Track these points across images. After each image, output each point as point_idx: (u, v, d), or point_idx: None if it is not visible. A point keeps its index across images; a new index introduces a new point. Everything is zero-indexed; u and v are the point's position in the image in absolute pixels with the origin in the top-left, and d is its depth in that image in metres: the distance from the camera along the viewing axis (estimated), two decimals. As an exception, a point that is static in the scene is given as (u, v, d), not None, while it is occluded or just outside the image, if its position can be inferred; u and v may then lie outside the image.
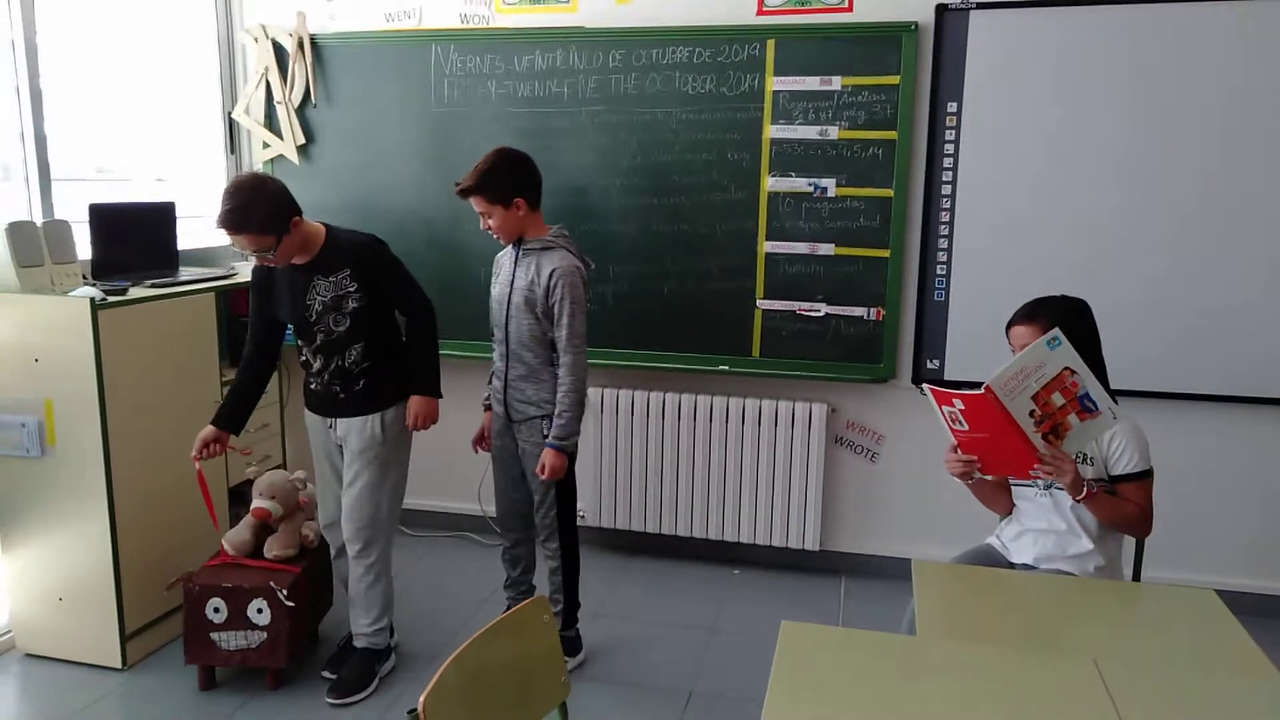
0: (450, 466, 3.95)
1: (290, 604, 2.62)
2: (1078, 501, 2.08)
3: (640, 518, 3.70)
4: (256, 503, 2.75)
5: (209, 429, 2.65)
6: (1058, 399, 1.98)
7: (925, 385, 2.09)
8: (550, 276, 2.65)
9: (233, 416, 2.69)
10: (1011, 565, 2.25)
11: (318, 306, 2.56)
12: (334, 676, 2.74)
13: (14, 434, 2.74)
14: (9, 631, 2.92)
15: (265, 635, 2.65)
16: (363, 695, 2.70)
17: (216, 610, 2.64)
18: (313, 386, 2.69)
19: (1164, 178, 3.10)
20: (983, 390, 1.93)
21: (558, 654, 1.69)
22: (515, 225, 2.70)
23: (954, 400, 2.00)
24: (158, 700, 2.67)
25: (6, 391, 2.74)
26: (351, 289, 2.55)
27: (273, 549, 2.75)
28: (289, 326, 2.68)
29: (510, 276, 2.76)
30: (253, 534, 2.77)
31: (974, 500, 2.40)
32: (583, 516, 3.80)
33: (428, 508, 4.00)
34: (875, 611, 3.31)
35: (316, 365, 2.64)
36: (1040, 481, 2.22)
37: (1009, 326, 2.24)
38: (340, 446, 2.70)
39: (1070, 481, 2.03)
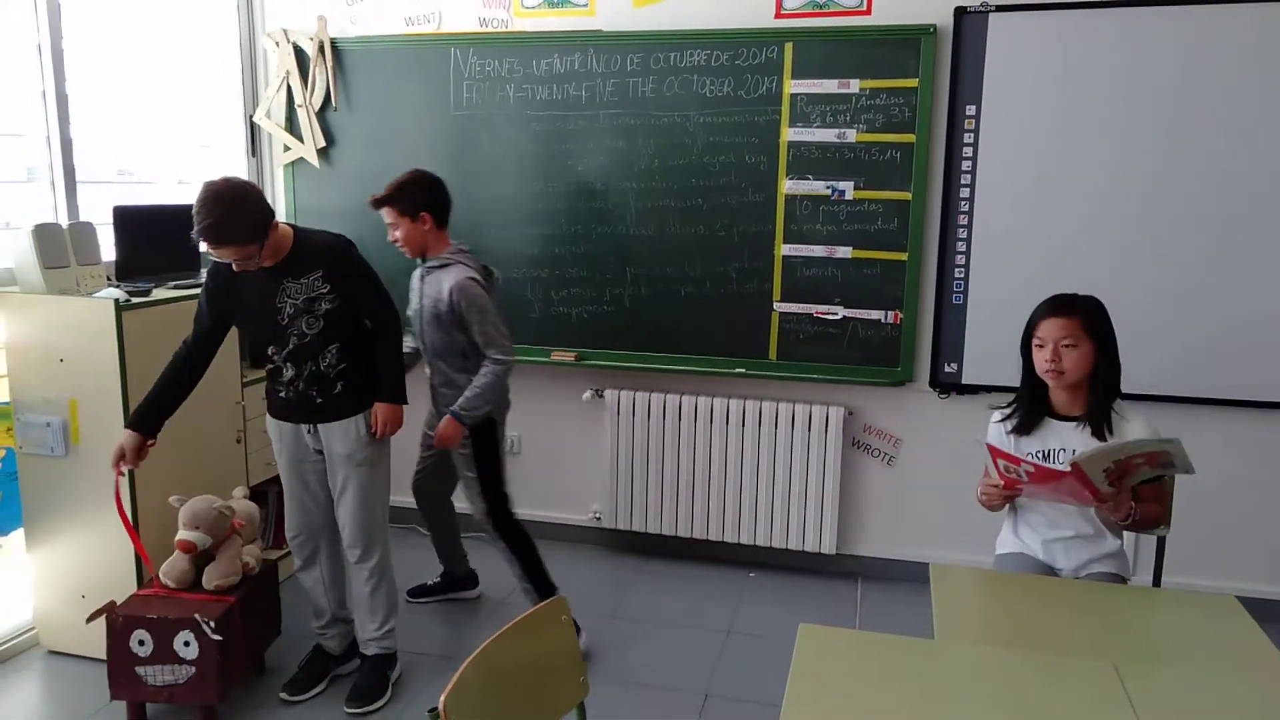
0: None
1: (217, 637, 2.48)
2: (1121, 523, 2.11)
3: (656, 520, 3.71)
4: (180, 534, 2.60)
5: (129, 435, 2.48)
6: (1139, 461, 1.98)
7: (984, 442, 2.12)
8: (450, 293, 2.77)
9: (153, 418, 2.52)
10: (1054, 572, 2.24)
11: (289, 309, 2.48)
12: (293, 699, 2.69)
13: (39, 433, 2.77)
14: (33, 628, 2.96)
15: (194, 669, 2.50)
16: (381, 702, 2.68)
17: (142, 643, 2.49)
18: (283, 394, 2.59)
19: (1183, 182, 3.07)
20: (1069, 468, 1.94)
21: (576, 654, 1.70)
22: (419, 239, 2.84)
23: (1021, 464, 2.01)
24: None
25: (32, 391, 2.78)
26: (324, 290, 2.48)
27: (212, 579, 2.61)
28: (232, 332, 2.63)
29: (419, 294, 2.90)
30: (190, 564, 2.62)
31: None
32: (598, 518, 3.82)
33: (445, 509, 4.02)
34: (892, 615, 3.31)
35: (289, 373, 2.54)
36: None
37: (1040, 318, 2.20)
38: (319, 452, 2.64)
39: (1124, 515, 2.07)
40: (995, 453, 2.08)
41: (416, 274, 2.96)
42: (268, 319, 2.49)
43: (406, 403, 2.67)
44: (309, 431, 2.62)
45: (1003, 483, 2.11)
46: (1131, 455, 1.95)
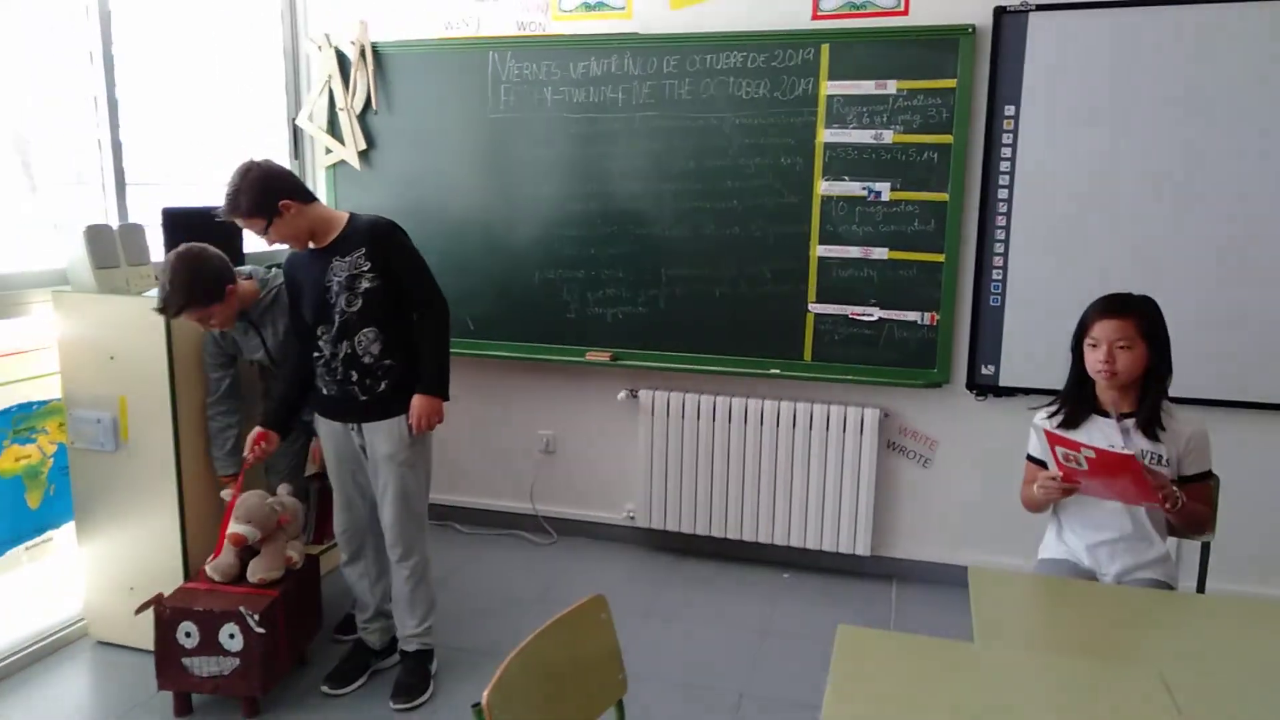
0: (502, 465, 4.02)
1: (261, 630, 2.53)
2: (1168, 511, 2.08)
3: (690, 520, 3.72)
4: (232, 528, 2.67)
5: (258, 429, 2.68)
6: None
7: (1039, 419, 2.10)
8: None
9: (281, 418, 2.71)
10: (1094, 578, 2.22)
11: (335, 287, 2.55)
12: (335, 692, 2.75)
13: (90, 429, 2.85)
14: (82, 619, 3.04)
15: (238, 661, 2.56)
16: (425, 696, 2.73)
17: (188, 635, 2.55)
18: (325, 392, 2.64)
19: (1230, 184, 3.03)
20: (1130, 452, 1.96)
21: (615, 652, 1.71)
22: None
23: (1082, 449, 2.00)
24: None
25: (84, 388, 2.85)
26: (365, 268, 2.54)
27: (256, 572, 2.67)
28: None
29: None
30: (237, 557, 2.69)
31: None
32: (632, 517, 3.84)
33: (480, 506, 4.06)
34: (928, 618, 3.29)
35: (327, 352, 2.58)
36: None
37: (1095, 319, 2.17)
38: (362, 449, 2.69)
39: (1170, 498, 2.05)
40: (1054, 439, 2.04)
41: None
42: (318, 298, 2.57)
43: (448, 397, 2.67)
44: (354, 430, 2.67)
45: (1061, 474, 2.08)
46: None
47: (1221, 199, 3.04)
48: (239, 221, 2.51)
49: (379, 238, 2.57)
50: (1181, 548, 3.13)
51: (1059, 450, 2.05)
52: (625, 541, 3.91)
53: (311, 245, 2.59)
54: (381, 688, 2.78)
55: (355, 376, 2.58)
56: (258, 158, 2.54)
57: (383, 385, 2.59)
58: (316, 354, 2.62)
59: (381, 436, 2.62)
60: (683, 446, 3.67)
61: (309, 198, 2.57)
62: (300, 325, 2.66)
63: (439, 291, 2.66)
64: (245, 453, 2.67)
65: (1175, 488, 2.05)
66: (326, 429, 2.71)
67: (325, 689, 2.75)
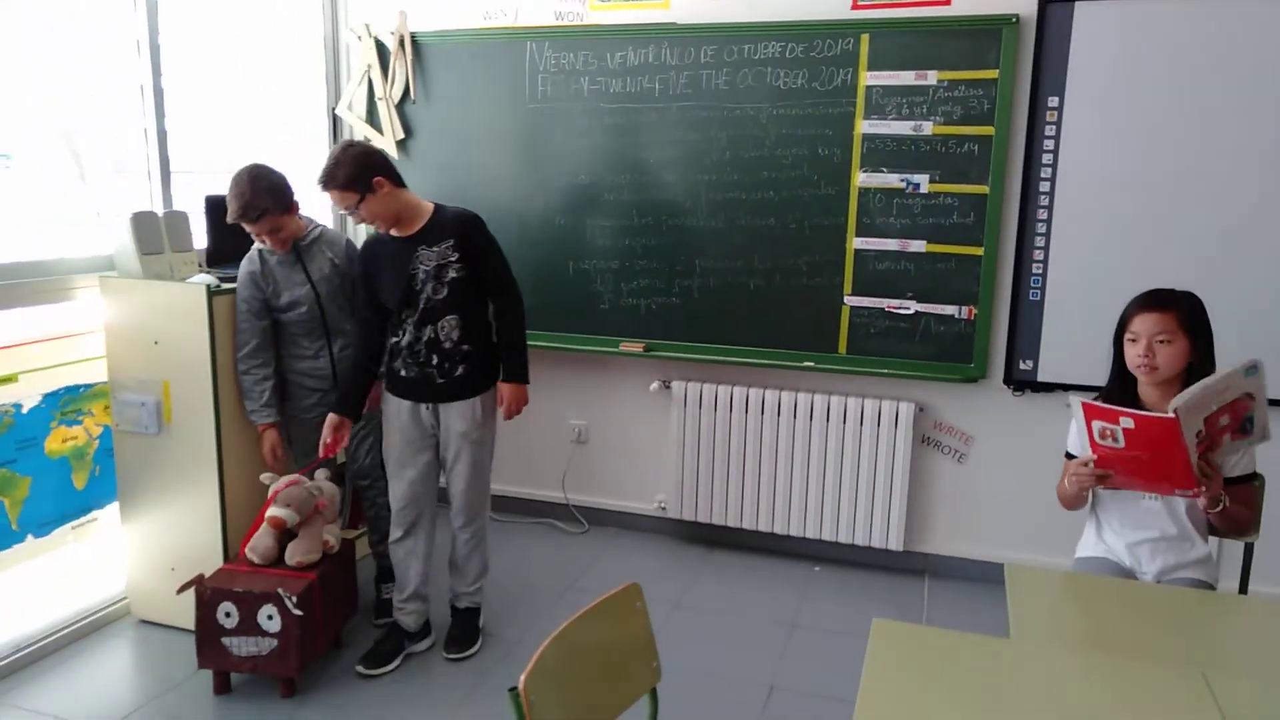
0: (535, 455, 4.04)
1: (299, 612, 2.59)
2: (1208, 512, 2.03)
3: (721, 511, 3.72)
4: (272, 511, 2.73)
5: (333, 416, 2.76)
6: (1224, 420, 1.94)
7: (1074, 399, 2.00)
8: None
9: (352, 401, 2.80)
10: (1134, 577, 2.19)
11: (421, 275, 2.68)
12: (370, 672, 2.80)
13: (135, 412, 2.90)
14: (125, 598, 3.11)
15: (276, 642, 2.60)
16: (476, 647, 2.95)
17: (228, 615, 2.60)
18: (403, 374, 2.76)
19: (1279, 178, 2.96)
20: (1171, 414, 1.86)
21: (650, 641, 1.72)
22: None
23: (1120, 419, 1.92)
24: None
25: (129, 372, 2.91)
26: (453, 259, 2.68)
27: (295, 555, 2.72)
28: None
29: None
30: (275, 540, 2.74)
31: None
32: (663, 508, 3.84)
33: (512, 494, 4.09)
34: (960, 614, 3.27)
35: (409, 336, 2.71)
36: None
37: (1134, 313, 2.13)
38: (434, 428, 2.81)
39: (1213, 496, 1.99)
40: (1091, 411, 1.96)
41: (280, 258, 2.87)
42: (402, 284, 2.69)
43: (529, 381, 2.84)
44: (428, 409, 2.79)
45: (1095, 458, 2.00)
46: (1222, 403, 1.91)
47: (1273, 194, 2.97)
48: (333, 194, 2.62)
49: (467, 230, 2.72)
50: (1223, 548, 3.08)
51: (1095, 427, 1.96)
52: (656, 532, 3.92)
53: (394, 232, 2.71)
54: (415, 671, 2.82)
55: (435, 360, 2.73)
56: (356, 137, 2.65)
57: (460, 369, 2.75)
58: (394, 337, 2.76)
59: (456, 416, 2.78)
60: (715, 438, 3.67)
61: (401, 182, 2.70)
62: (371, 307, 2.79)
63: (515, 284, 2.83)
64: (325, 437, 2.75)
65: (1220, 482, 1.99)
66: (395, 407, 2.82)
67: (360, 669, 2.81)
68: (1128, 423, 1.91)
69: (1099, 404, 1.98)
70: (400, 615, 2.92)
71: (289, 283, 2.86)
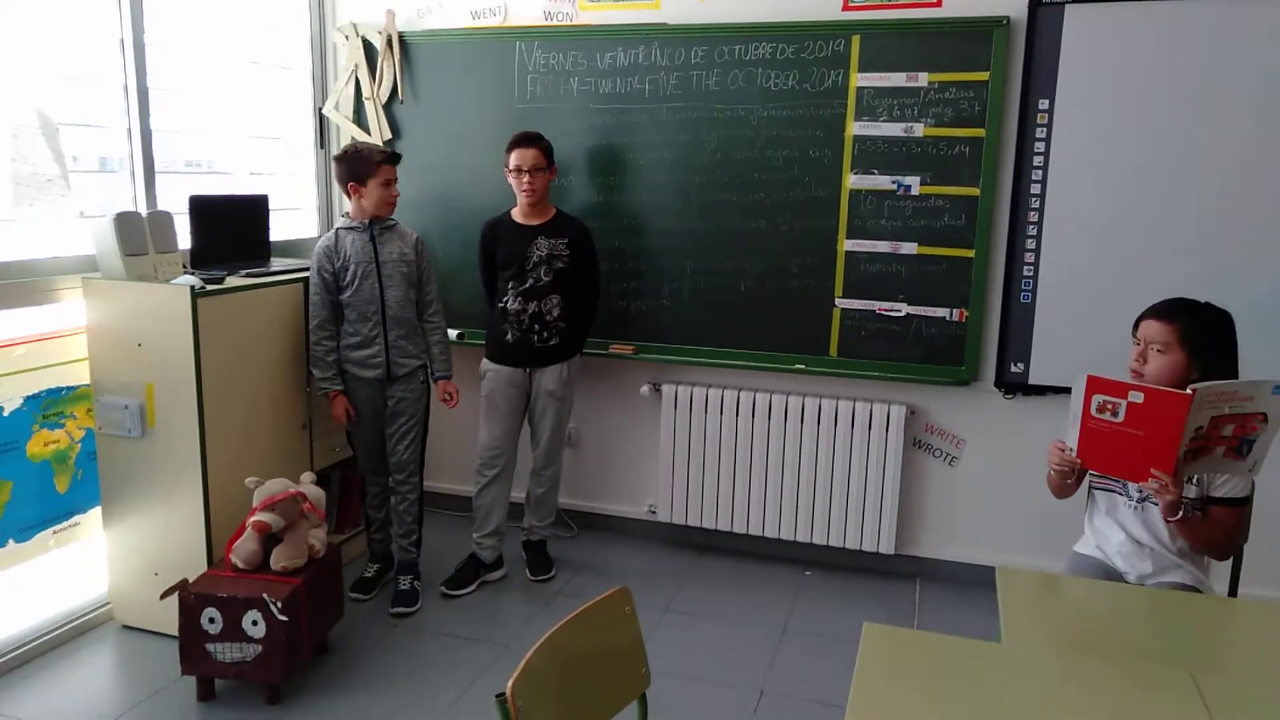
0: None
1: (284, 618, 2.55)
2: (1168, 521, 2.03)
3: (711, 515, 3.70)
4: (256, 516, 2.70)
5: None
6: (1228, 430, 1.91)
7: (1087, 374, 1.96)
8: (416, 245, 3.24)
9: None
10: (1122, 579, 2.18)
11: (535, 258, 3.25)
12: (453, 593, 3.28)
13: (117, 415, 2.87)
14: (108, 603, 3.07)
15: (261, 648, 2.57)
16: (554, 572, 3.51)
17: (212, 621, 2.57)
18: (508, 337, 3.29)
19: (1269, 180, 2.96)
20: (1189, 391, 1.83)
21: (639, 646, 1.70)
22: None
23: (1129, 393, 1.90)
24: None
25: (111, 374, 2.87)
26: (564, 254, 3.28)
27: (279, 560, 2.69)
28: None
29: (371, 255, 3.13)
30: (260, 545, 2.71)
31: (1056, 506, 2.35)
32: (654, 512, 3.82)
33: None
34: (951, 617, 3.26)
35: (516, 305, 3.27)
36: (1134, 493, 2.15)
37: (1143, 317, 2.13)
38: (525, 387, 3.35)
39: (1170, 502, 1.97)
40: (1096, 384, 1.92)
41: (352, 238, 3.11)
42: (518, 261, 3.27)
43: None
44: (524, 372, 3.33)
45: (1077, 443, 1.98)
46: (1235, 412, 1.87)
47: (1266, 196, 2.97)
48: (535, 151, 3.22)
49: (581, 236, 3.34)
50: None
51: (1095, 400, 1.93)
52: (646, 536, 3.89)
53: (518, 218, 3.31)
54: (401, 676, 2.79)
55: (537, 329, 3.29)
56: None
57: (555, 339, 3.32)
58: (500, 307, 3.32)
59: (548, 377, 3.35)
60: (705, 441, 3.65)
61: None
62: (487, 273, 3.40)
63: (599, 281, 3.48)
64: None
65: (1180, 490, 1.95)
66: (495, 371, 3.35)
67: (444, 590, 3.30)
68: (1137, 397, 1.89)
69: (1110, 380, 1.94)
70: (479, 549, 3.40)
71: (357, 259, 3.08)
